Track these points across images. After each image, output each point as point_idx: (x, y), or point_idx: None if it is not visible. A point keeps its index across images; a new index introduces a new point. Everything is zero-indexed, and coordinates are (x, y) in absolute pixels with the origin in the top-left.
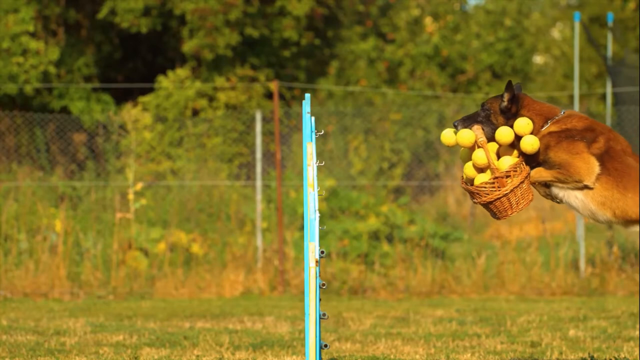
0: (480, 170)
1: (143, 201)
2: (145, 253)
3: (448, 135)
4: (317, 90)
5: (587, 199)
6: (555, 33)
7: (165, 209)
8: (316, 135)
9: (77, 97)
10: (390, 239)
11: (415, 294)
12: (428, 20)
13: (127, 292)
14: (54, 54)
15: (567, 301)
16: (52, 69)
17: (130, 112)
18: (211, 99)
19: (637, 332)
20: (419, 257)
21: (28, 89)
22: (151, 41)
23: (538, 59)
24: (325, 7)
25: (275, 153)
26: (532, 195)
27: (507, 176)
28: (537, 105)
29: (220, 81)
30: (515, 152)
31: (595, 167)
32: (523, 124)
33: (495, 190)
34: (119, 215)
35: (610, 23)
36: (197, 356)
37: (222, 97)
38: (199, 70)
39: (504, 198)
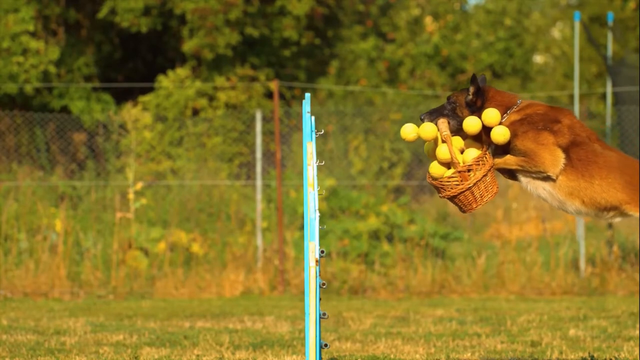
0: (445, 165)
1: (143, 201)
2: (146, 253)
3: (407, 131)
4: (317, 89)
5: (554, 190)
6: (556, 33)
7: (165, 209)
8: (316, 134)
9: (77, 97)
10: (390, 239)
11: (415, 293)
12: (428, 19)
13: (127, 292)
14: (54, 53)
15: (567, 301)
16: (52, 69)
17: (131, 112)
18: (211, 98)
19: (637, 332)
20: (419, 257)
21: (28, 88)
22: (151, 41)
23: (538, 59)
24: (326, 7)
25: (275, 153)
26: (497, 188)
27: (469, 170)
28: (498, 96)
29: (220, 81)
30: (478, 146)
31: (561, 159)
32: (492, 114)
33: (459, 184)
34: (119, 214)
35: (610, 23)
36: (197, 356)
37: (222, 96)
38: (199, 69)
39: (468, 192)
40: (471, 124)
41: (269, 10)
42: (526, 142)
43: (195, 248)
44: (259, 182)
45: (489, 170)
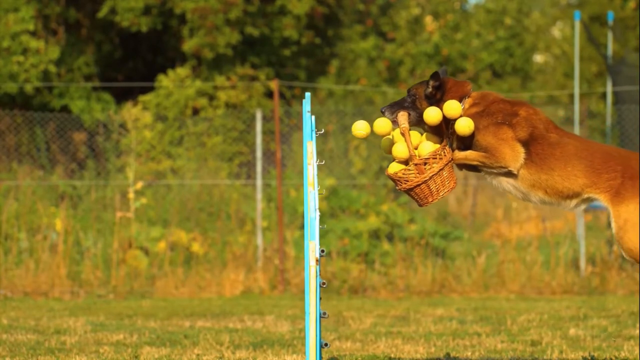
0: (402, 162)
1: (143, 200)
2: (146, 252)
3: (359, 127)
4: (318, 89)
5: (517, 183)
6: (556, 32)
7: (165, 208)
8: (316, 134)
9: (77, 96)
10: (390, 238)
11: (415, 293)
12: (428, 19)
13: (128, 291)
14: (54, 53)
15: (567, 300)
16: (52, 68)
17: (131, 111)
18: (211, 98)
19: (638, 331)
20: (419, 256)
21: (28, 88)
22: (151, 40)
23: (538, 58)
24: (326, 6)
25: (275, 152)
26: (455, 183)
27: (426, 163)
28: (455, 87)
29: (220, 80)
30: (437, 140)
31: (521, 154)
32: (453, 106)
33: (415, 178)
34: (119, 214)
35: (610, 22)
36: (198, 355)
37: (222, 96)
38: (199, 69)
39: (424, 185)
40: (431, 114)
41: (269, 9)
42: (487, 137)
43: (196, 247)
44: (259, 182)
45: (447, 164)
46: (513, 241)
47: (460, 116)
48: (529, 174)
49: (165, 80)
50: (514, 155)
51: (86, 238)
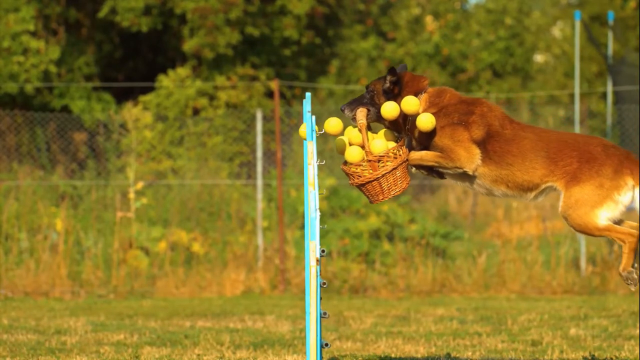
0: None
1: (144, 200)
2: (146, 252)
3: (305, 131)
4: (318, 89)
5: (480, 180)
6: (556, 32)
7: (166, 208)
8: (317, 134)
9: (77, 96)
10: (390, 238)
11: (416, 292)
12: (428, 19)
13: (128, 291)
14: (55, 53)
15: (567, 300)
16: (52, 68)
17: (131, 111)
18: (212, 98)
19: (638, 331)
20: (419, 256)
21: (29, 88)
22: (152, 40)
23: (539, 58)
24: (326, 6)
25: (275, 152)
26: (407, 183)
27: (380, 160)
28: (411, 82)
29: (220, 80)
30: (393, 137)
31: (476, 156)
32: (411, 102)
33: (368, 174)
34: (119, 214)
35: (610, 22)
36: (198, 355)
37: (222, 96)
38: (200, 69)
39: (375, 182)
40: (388, 109)
41: (269, 9)
42: (444, 138)
43: (196, 247)
44: (259, 182)
45: (401, 164)
46: (513, 241)
47: (418, 113)
48: (490, 170)
49: (165, 80)
50: (470, 157)
51: (87, 238)
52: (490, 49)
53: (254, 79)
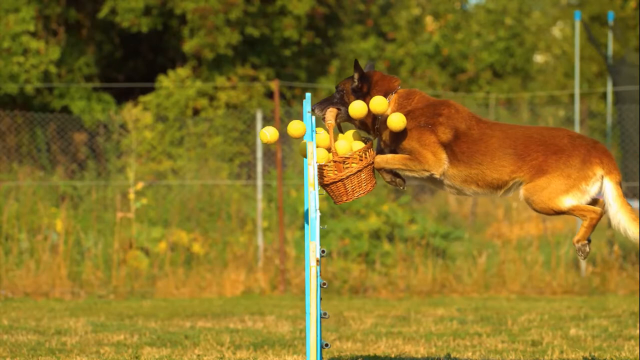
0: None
1: (144, 200)
2: (146, 252)
3: (263, 135)
4: (318, 89)
5: (450, 181)
6: (556, 32)
7: (166, 209)
8: (317, 134)
9: (77, 97)
10: (391, 238)
11: (416, 293)
12: (429, 19)
13: (128, 292)
14: (55, 53)
15: (568, 300)
16: (52, 69)
17: (131, 112)
18: (212, 98)
19: (638, 331)
20: (419, 256)
21: (29, 88)
22: (152, 41)
23: (539, 58)
24: (326, 7)
25: (276, 152)
26: (372, 186)
27: (345, 162)
28: (381, 82)
29: (220, 80)
30: (355, 140)
31: (443, 160)
32: (379, 102)
33: (332, 174)
34: (119, 214)
35: (610, 22)
36: (198, 356)
37: (222, 96)
38: (200, 69)
39: (340, 183)
40: (355, 108)
41: (269, 9)
42: (411, 141)
43: (196, 248)
44: (259, 182)
45: (366, 166)
46: (514, 241)
47: (386, 112)
48: (459, 171)
49: (165, 81)
50: (437, 161)
51: (87, 238)
52: (491, 49)
53: (254, 79)
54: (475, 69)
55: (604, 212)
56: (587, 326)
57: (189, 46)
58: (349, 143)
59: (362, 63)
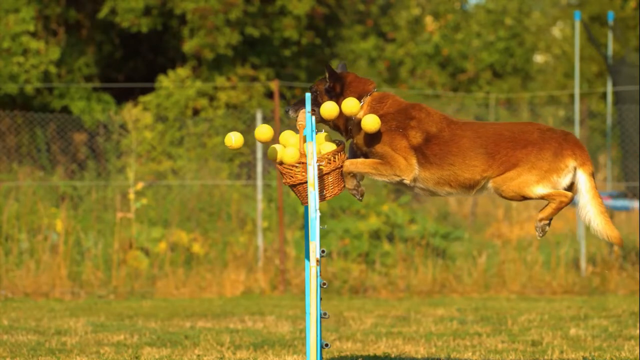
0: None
1: (144, 201)
2: (146, 253)
3: (228, 139)
4: None
5: (422, 184)
6: (556, 32)
7: (166, 209)
8: (317, 134)
9: (77, 97)
10: (391, 238)
11: (416, 293)
12: (428, 19)
13: (128, 292)
14: (55, 53)
15: (568, 300)
16: (52, 69)
17: (131, 112)
18: (212, 98)
19: (638, 331)
20: (419, 257)
21: (29, 88)
22: (152, 41)
23: (538, 58)
24: (326, 7)
25: None
26: (340, 190)
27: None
28: (355, 83)
29: (220, 81)
30: (330, 143)
31: (414, 165)
32: (350, 104)
33: (300, 175)
34: (119, 214)
35: (610, 22)
36: (198, 356)
37: (222, 96)
38: (200, 69)
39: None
40: (327, 109)
41: (269, 10)
42: (384, 145)
43: (196, 248)
44: (259, 182)
45: (334, 169)
46: (514, 241)
47: (357, 114)
48: (431, 174)
49: (165, 81)
50: (408, 166)
51: (87, 239)
52: (490, 49)
53: (254, 79)
54: (475, 69)
55: (574, 196)
56: (587, 326)
57: (188, 46)
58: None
59: (363, 63)
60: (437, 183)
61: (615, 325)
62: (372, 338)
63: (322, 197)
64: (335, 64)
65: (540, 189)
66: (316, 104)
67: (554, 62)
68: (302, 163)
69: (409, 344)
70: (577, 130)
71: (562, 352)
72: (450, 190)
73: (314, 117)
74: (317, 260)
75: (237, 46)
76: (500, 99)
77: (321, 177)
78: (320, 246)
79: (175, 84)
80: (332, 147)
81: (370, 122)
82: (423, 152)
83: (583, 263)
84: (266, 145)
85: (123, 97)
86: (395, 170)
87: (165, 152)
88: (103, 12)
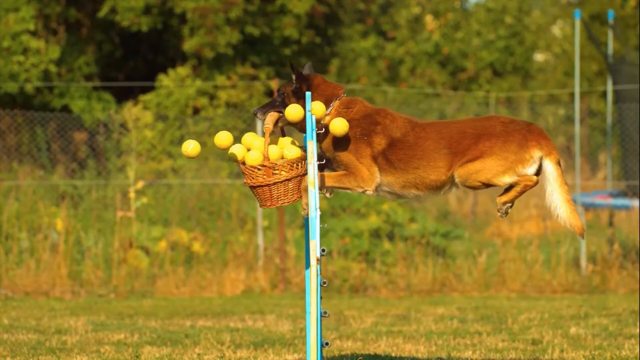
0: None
1: (144, 200)
2: (146, 252)
3: (186, 144)
4: None
5: (389, 188)
6: (556, 31)
7: (166, 208)
8: (317, 133)
9: (77, 96)
10: (391, 237)
11: (416, 292)
12: (429, 18)
13: (128, 291)
14: (55, 52)
15: (568, 299)
16: (52, 68)
17: (131, 111)
18: (212, 97)
19: (638, 330)
20: (420, 255)
21: (29, 87)
22: (152, 40)
23: (539, 57)
24: (326, 6)
25: None
26: (298, 197)
27: (275, 168)
28: (323, 86)
29: (220, 79)
30: (295, 148)
31: (375, 176)
32: (315, 107)
33: (260, 178)
34: (120, 213)
35: (610, 20)
36: (199, 355)
37: (222, 95)
38: (200, 68)
39: (266, 188)
40: (291, 111)
41: (269, 8)
42: (349, 153)
43: (196, 247)
44: None
45: (296, 177)
46: (514, 240)
47: (324, 119)
48: (396, 178)
49: (165, 80)
50: (370, 176)
51: (87, 238)
52: (490, 48)
53: (254, 78)
54: (475, 68)
55: (538, 180)
56: (588, 325)
57: (189, 45)
58: (279, 149)
59: (363, 62)
60: (403, 187)
61: (615, 324)
62: (372, 337)
63: (280, 202)
64: (336, 63)
65: (506, 179)
66: (284, 106)
67: (554, 61)
68: (264, 166)
69: (409, 342)
70: (577, 130)
71: (562, 350)
72: (418, 192)
73: (314, 117)
74: (318, 259)
75: (237, 45)
76: (501, 98)
77: (282, 182)
78: (321, 245)
79: (175, 83)
80: (296, 151)
81: (339, 126)
82: (388, 158)
83: (583, 262)
84: (226, 151)
85: (123, 96)
86: (358, 181)
87: (165, 151)
88: (103, 11)
